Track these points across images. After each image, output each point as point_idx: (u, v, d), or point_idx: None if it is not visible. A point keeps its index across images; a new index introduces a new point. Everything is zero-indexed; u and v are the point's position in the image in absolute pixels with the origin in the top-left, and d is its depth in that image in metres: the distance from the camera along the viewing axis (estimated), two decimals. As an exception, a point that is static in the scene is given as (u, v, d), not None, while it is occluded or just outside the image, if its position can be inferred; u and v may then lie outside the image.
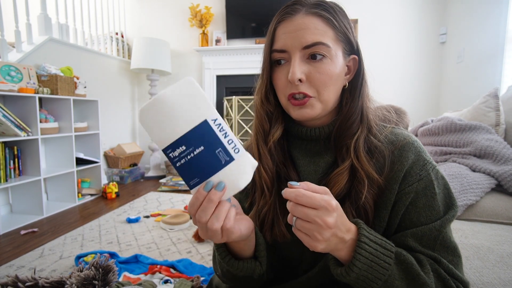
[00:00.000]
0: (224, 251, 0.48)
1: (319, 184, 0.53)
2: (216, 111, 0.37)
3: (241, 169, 0.37)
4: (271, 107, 0.54)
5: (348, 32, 0.50)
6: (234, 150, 0.37)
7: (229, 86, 3.35)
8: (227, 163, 0.37)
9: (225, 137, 0.37)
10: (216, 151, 0.36)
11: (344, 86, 0.53)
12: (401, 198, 0.48)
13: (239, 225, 0.42)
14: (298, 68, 0.47)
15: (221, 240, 0.40)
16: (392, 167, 0.49)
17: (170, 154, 0.37)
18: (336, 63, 0.49)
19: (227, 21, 3.20)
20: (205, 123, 0.36)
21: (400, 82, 3.02)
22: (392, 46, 2.99)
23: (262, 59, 0.53)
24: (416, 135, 1.87)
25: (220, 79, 3.34)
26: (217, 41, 3.27)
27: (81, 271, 0.76)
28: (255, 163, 0.39)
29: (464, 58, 2.52)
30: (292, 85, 0.48)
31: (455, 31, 2.69)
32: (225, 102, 3.15)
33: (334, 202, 0.38)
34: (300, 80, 0.47)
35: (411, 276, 0.42)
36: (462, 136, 1.36)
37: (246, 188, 0.59)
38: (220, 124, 0.37)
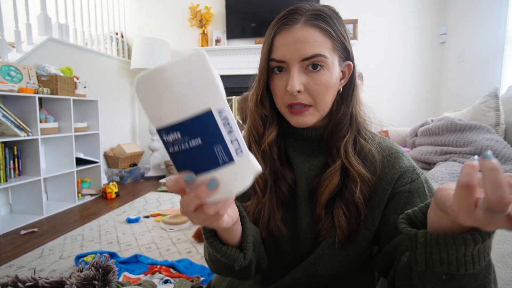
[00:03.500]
0: (209, 231, 0.46)
1: (312, 183, 0.54)
2: (225, 101, 0.31)
3: (239, 174, 0.32)
4: (266, 111, 0.56)
5: (345, 40, 0.52)
6: (236, 151, 0.31)
7: (229, 86, 3.34)
8: (224, 163, 0.31)
9: (229, 133, 0.31)
10: (215, 148, 0.31)
11: (339, 90, 0.54)
12: (394, 196, 0.50)
13: (231, 213, 0.41)
14: (297, 80, 0.48)
15: (204, 223, 0.37)
16: (386, 170, 0.51)
17: (164, 137, 0.31)
18: (333, 72, 0.50)
19: (227, 21, 3.20)
20: (208, 113, 0.30)
21: (400, 82, 3.01)
22: (392, 46, 2.99)
23: (259, 64, 0.54)
24: (416, 135, 1.87)
25: (220, 79, 3.33)
26: (217, 41, 3.27)
27: (81, 271, 0.76)
28: (258, 169, 0.33)
29: (464, 58, 2.52)
30: (290, 95, 0.50)
31: (455, 31, 2.69)
32: (225, 102, 3.14)
33: None
34: (298, 91, 0.49)
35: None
36: (462, 135, 1.36)
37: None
38: (226, 118, 0.31)
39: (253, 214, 0.56)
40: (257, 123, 0.56)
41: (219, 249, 0.45)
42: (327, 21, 0.49)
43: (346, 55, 0.53)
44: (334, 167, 0.52)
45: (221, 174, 0.32)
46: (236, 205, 0.45)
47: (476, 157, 0.28)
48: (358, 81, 0.56)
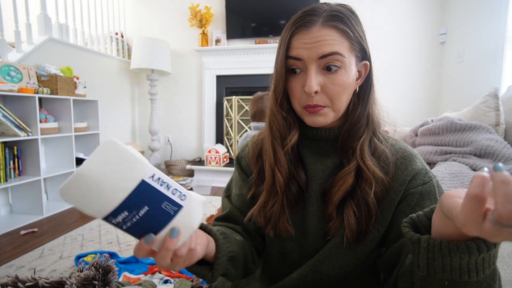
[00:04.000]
0: None
1: (325, 183, 0.55)
2: (151, 166, 0.35)
3: (192, 212, 0.37)
4: (285, 112, 0.55)
5: (362, 40, 0.52)
6: (180, 198, 0.36)
7: (229, 86, 3.35)
8: (176, 212, 0.36)
9: (168, 189, 0.35)
10: (163, 206, 0.35)
11: (355, 90, 0.54)
12: (405, 198, 0.51)
13: (200, 240, 0.45)
14: (314, 80, 0.48)
15: (184, 265, 0.41)
16: (399, 171, 0.52)
17: (113, 221, 0.34)
18: (350, 73, 0.50)
19: (227, 21, 3.20)
20: (143, 183, 0.33)
21: (400, 82, 3.02)
22: (392, 46, 2.99)
23: (276, 65, 0.53)
24: (416, 135, 1.87)
25: (220, 79, 3.34)
26: (217, 41, 3.27)
27: (81, 271, 0.76)
28: (202, 199, 0.39)
29: (464, 58, 2.52)
30: (307, 96, 0.50)
31: (455, 31, 2.69)
32: (225, 102, 3.14)
33: None
34: (315, 92, 0.49)
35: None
36: (462, 135, 1.36)
37: (248, 180, 0.61)
38: (159, 178, 0.35)
39: (265, 214, 0.56)
40: (281, 125, 0.56)
41: (190, 268, 0.48)
42: (344, 21, 0.49)
43: (363, 55, 0.53)
44: (349, 168, 0.51)
45: (177, 221, 0.36)
46: (208, 229, 0.51)
47: (486, 168, 0.28)
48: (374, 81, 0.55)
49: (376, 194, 0.51)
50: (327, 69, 0.49)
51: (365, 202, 0.50)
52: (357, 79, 0.54)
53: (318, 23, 0.48)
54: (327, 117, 0.52)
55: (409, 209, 0.50)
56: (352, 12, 0.51)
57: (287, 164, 0.55)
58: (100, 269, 0.76)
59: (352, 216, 0.50)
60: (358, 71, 0.53)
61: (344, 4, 0.52)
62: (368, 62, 0.54)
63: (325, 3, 0.51)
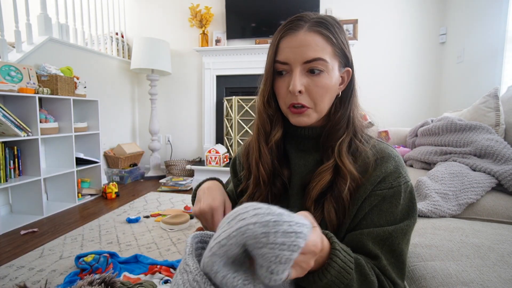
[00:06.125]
0: None
1: (306, 177, 0.58)
2: None
3: None
4: (272, 110, 0.60)
5: (345, 47, 0.56)
6: None
7: (229, 86, 3.35)
8: None
9: None
10: None
11: (338, 95, 0.58)
12: (369, 197, 0.53)
13: None
14: (298, 81, 0.52)
15: None
16: (373, 172, 0.54)
17: None
18: (332, 76, 0.54)
19: (227, 21, 3.20)
20: None
21: (400, 82, 3.02)
22: (392, 46, 2.99)
23: (265, 66, 0.58)
24: (416, 135, 1.87)
25: (220, 79, 3.34)
26: (217, 41, 3.28)
27: (91, 284, 0.75)
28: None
29: (464, 58, 2.52)
30: (292, 95, 0.54)
31: (455, 31, 2.69)
32: (225, 102, 3.14)
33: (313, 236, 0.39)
34: (299, 92, 0.53)
35: (364, 276, 0.47)
36: (462, 136, 1.36)
37: (238, 176, 0.70)
38: None
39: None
40: (265, 122, 0.61)
41: None
42: (329, 28, 0.53)
43: (345, 61, 0.57)
44: (327, 165, 0.55)
45: None
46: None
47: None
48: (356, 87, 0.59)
49: (350, 190, 0.53)
50: (311, 71, 0.53)
51: (341, 197, 0.53)
52: (340, 84, 0.57)
53: (304, 28, 0.52)
54: (310, 118, 0.56)
55: (368, 208, 0.53)
56: (336, 21, 0.56)
57: (270, 160, 0.60)
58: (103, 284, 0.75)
59: (332, 211, 0.53)
60: (341, 77, 0.57)
61: (330, 15, 0.56)
62: (350, 69, 0.57)
63: (313, 12, 0.56)
